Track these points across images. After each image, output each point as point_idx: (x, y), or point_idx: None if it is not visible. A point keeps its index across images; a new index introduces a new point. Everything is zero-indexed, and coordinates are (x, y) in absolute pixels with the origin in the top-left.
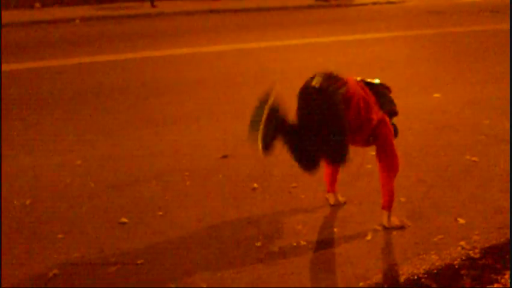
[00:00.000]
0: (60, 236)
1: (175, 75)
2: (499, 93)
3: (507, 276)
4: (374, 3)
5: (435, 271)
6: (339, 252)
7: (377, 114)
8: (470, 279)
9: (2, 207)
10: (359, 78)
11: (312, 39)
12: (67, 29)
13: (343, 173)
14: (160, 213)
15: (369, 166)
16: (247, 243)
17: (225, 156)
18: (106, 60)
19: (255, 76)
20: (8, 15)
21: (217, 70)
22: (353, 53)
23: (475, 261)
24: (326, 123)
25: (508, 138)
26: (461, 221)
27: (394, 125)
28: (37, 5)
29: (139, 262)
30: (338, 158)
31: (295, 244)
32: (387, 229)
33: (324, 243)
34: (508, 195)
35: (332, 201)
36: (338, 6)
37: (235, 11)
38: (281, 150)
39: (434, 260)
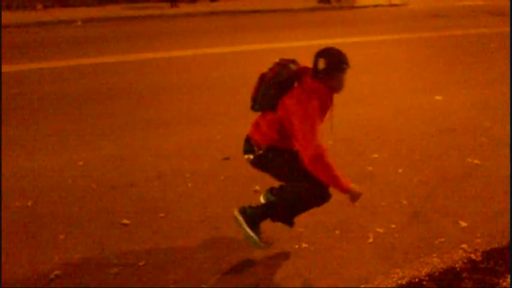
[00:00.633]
0: (62, 237)
1: (176, 77)
2: (500, 96)
3: (509, 279)
4: (376, 6)
5: (436, 274)
6: (340, 254)
7: None
8: (471, 282)
9: (3, 208)
10: None
11: (314, 41)
12: (68, 31)
13: (344, 175)
14: (162, 214)
15: (370, 168)
16: (248, 245)
17: (226, 158)
18: (107, 62)
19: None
20: (10, 16)
21: (219, 72)
22: (354, 55)
23: (476, 264)
24: None
25: (509, 141)
26: (463, 223)
27: None
28: (39, 6)
29: (140, 263)
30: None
31: (297, 246)
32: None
33: (326, 245)
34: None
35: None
36: (340, 8)
37: (236, 12)
38: None
39: (435, 263)
